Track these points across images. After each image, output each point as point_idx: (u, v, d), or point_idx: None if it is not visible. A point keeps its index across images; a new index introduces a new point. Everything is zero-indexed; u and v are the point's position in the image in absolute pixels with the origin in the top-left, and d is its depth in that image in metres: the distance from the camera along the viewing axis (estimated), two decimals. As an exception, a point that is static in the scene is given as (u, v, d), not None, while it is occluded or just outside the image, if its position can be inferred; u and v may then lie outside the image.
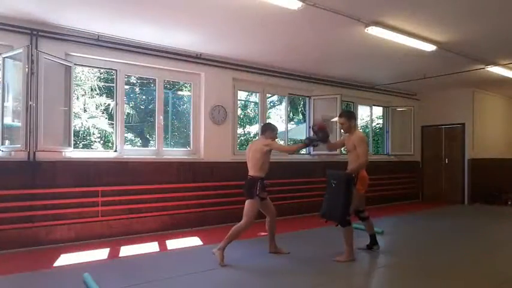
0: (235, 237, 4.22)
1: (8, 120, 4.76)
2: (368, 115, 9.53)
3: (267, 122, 4.99)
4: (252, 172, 4.40)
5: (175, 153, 6.43)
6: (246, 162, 6.68)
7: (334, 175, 4.26)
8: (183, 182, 5.96)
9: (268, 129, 4.52)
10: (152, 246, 4.96)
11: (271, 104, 13.91)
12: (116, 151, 5.62)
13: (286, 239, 5.32)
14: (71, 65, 5.04)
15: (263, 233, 5.25)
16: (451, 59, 6.33)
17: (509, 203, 9.15)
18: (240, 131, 12.43)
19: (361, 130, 5.02)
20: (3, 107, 4.67)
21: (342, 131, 4.97)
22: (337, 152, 7.60)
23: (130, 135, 11.68)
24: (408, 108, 9.38)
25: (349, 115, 4.52)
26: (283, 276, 3.86)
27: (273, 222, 4.53)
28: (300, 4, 4.03)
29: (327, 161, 7.68)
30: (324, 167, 7.62)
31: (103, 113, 10.99)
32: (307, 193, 7.33)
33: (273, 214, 4.53)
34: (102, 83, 10.94)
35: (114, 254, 4.58)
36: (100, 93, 10.94)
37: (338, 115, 4.88)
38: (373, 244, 4.66)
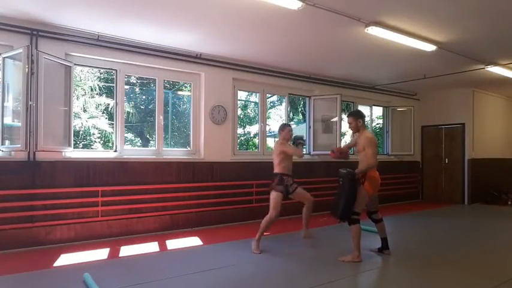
0: (265, 228, 4.69)
1: (8, 120, 4.76)
2: (368, 115, 9.52)
3: (283, 122, 5.65)
4: (274, 169, 4.95)
5: (175, 153, 6.43)
6: (245, 163, 6.76)
7: (341, 173, 4.32)
8: (183, 182, 5.96)
9: (280, 130, 5.06)
10: (152, 246, 4.95)
11: (271, 104, 13.92)
12: (116, 151, 5.62)
13: (287, 239, 5.33)
14: (71, 65, 5.04)
15: (265, 233, 5.25)
16: (451, 59, 6.33)
17: (509, 203, 9.16)
18: (240, 131, 12.44)
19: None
20: (3, 107, 4.67)
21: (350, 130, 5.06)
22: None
23: (130, 135, 11.68)
24: (408, 108, 9.38)
25: (355, 114, 4.57)
26: (282, 276, 3.86)
27: (309, 208, 5.08)
28: (300, 4, 4.03)
29: (327, 161, 7.67)
30: (324, 167, 7.65)
31: (103, 113, 10.99)
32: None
33: (308, 200, 5.05)
34: (102, 83, 10.94)
35: (114, 254, 4.58)
36: (100, 93, 10.94)
37: (347, 115, 5.08)
38: (384, 248, 4.57)
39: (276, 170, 4.89)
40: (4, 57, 4.64)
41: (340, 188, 4.30)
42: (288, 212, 7.10)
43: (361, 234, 4.25)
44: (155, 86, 6.10)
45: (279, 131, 5.09)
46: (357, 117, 4.51)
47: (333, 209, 4.38)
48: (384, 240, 4.57)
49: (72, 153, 5.21)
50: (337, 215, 4.24)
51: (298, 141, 5.06)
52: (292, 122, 14.08)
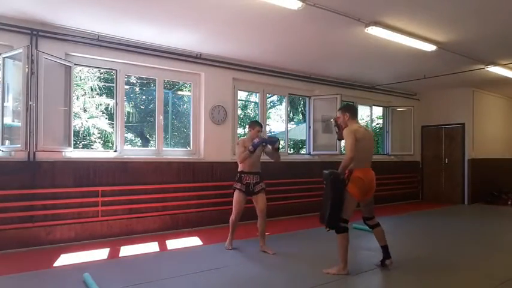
0: (231, 228, 4.71)
1: (8, 120, 4.76)
2: (368, 115, 9.53)
3: (255, 120, 5.44)
4: None
5: (175, 153, 6.43)
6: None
7: (324, 174, 3.91)
8: (183, 182, 5.96)
9: (249, 127, 4.79)
10: (152, 246, 4.95)
11: (271, 104, 13.91)
12: (116, 151, 5.62)
13: (286, 239, 5.33)
14: (71, 65, 5.04)
15: (266, 233, 5.25)
16: (451, 59, 6.33)
17: (509, 203, 9.16)
18: (240, 131, 12.43)
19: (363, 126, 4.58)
20: (3, 107, 4.67)
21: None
22: (337, 152, 7.61)
23: (130, 135, 11.68)
24: (408, 108, 9.37)
25: (343, 108, 4.13)
26: (282, 276, 3.86)
27: (260, 219, 4.60)
28: (300, 4, 4.03)
29: (327, 161, 7.67)
30: (324, 167, 7.63)
31: (103, 113, 10.99)
32: (307, 193, 7.33)
33: (259, 211, 4.59)
34: (102, 83, 10.94)
35: (114, 254, 4.58)
36: (100, 93, 10.94)
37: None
38: (385, 257, 4.02)
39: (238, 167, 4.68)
40: (4, 57, 4.64)
41: (324, 192, 3.89)
42: (284, 212, 7.11)
43: (348, 244, 3.83)
44: (155, 86, 6.10)
45: (248, 128, 4.77)
46: (343, 111, 4.04)
47: (320, 215, 3.92)
48: (384, 248, 4.02)
49: (72, 153, 5.21)
50: (324, 222, 3.81)
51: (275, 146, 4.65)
52: (292, 122, 14.08)
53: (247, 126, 4.71)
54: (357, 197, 3.80)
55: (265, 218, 4.63)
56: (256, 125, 4.69)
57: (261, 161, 4.74)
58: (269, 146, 4.65)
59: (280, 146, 4.68)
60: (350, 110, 4.05)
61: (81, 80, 10.48)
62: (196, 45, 5.79)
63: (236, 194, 4.61)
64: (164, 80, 6.25)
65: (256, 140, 4.46)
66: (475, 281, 3.77)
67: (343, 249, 3.81)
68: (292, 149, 12.45)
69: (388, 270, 4.02)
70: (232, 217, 4.65)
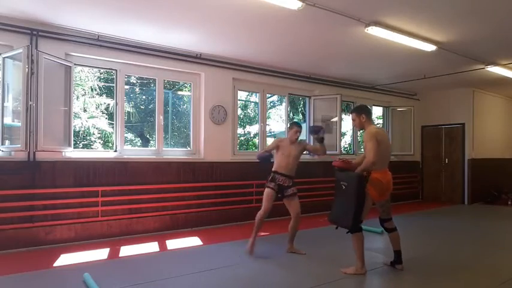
0: (258, 226, 4.48)
1: (8, 120, 4.76)
2: (368, 115, 9.52)
3: (294, 120, 5.24)
4: None
5: (175, 153, 6.43)
6: (245, 163, 6.74)
7: (345, 176, 3.79)
8: (183, 182, 5.96)
9: (288, 128, 4.80)
10: (152, 246, 4.95)
11: (271, 104, 13.90)
12: (116, 151, 5.62)
13: (285, 239, 5.31)
14: (71, 65, 5.04)
15: (262, 233, 5.25)
16: (451, 59, 6.33)
17: (509, 203, 9.16)
18: (240, 131, 12.43)
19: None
20: (3, 107, 4.67)
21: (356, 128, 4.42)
22: (337, 152, 7.61)
23: (130, 135, 11.68)
24: (408, 108, 9.38)
25: (358, 109, 4.00)
26: (283, 275, 3.86)
27: (294, 222, 4.55)
28: (300, 4, 4.03)
29: (327, 161, 7.66)
30: (324, 167, 7.64)
31: (103, 113, 10.99)
32: (307, 193, 7.31)
33: (296, 215, 4.53)
34: (102, 83, 10.94)
35: (114, 254, 4.58)
36: (100, 93, 10.94)
37: (350, 112, 4.48)
38: (396, 262, 4.01)
39: (273, 167, 4.65)
40: (4, 57, 4.64)
41: (344, 193, 3.74)
42: (285, 212, 7.11)
43: (364, 243, 3.81)
44: (155, 86, 6.10)
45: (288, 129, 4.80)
46: (359, 113, 3.92)
47: (337, 217, 3.82)
48: (397, 253, 4.00)
49: (72, 153, 5.21)
50: (348, 225, 3.70)
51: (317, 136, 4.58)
52: (292, 122, 14.03)
53: (289, 129, 4.73)
54: (375, 198, 3.80)
55: (299, 221, 4.57)
56: (295, 125, 4.65)
57: (259, 161, 4.66)
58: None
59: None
60: (366, 111, 3.95)
61: (81, 80, 10.48)
62: (196, 45, 5.79)
63: (268, 191, 4.48)
64: (164, 80, 6.25)
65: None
66: (476, 280, 3.77)
67: (360, 249, 3.80)
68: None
69: (390, 270, 4.02)
70: (260, 213, 4.45)
